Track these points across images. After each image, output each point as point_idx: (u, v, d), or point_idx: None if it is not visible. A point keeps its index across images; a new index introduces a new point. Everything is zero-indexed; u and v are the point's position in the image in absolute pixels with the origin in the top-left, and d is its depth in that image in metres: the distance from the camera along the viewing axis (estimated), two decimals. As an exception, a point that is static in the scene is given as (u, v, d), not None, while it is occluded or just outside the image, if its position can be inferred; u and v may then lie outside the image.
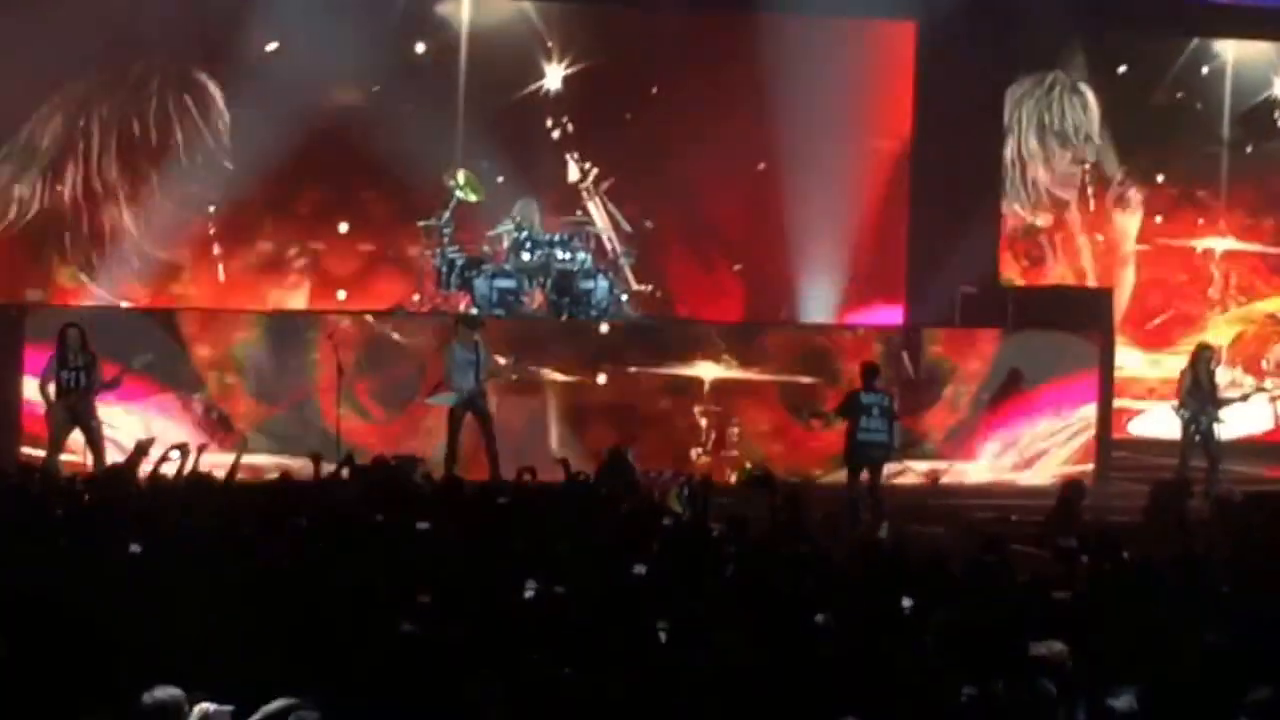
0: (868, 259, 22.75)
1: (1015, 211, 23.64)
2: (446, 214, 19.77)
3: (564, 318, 19.41)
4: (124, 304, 20.39)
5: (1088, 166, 23.89)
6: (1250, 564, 11.27)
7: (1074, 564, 10.84)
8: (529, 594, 9.51)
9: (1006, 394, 19.75)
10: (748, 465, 18.33)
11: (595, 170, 21.84)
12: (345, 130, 20.82)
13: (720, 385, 19.13)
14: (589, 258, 19.80)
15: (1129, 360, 23.19)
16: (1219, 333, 23.72)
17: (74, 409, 16.53)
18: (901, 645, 8.64)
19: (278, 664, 8.36)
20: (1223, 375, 20.71)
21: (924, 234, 22.32)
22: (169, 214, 21.19)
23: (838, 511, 15.39)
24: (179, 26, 20.57)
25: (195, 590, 9.52)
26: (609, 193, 21.53)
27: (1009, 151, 23.53)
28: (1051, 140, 23.75)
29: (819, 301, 22.42)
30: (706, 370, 19.16)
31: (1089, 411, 19.89)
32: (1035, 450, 19.83)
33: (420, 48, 21.70)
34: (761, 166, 22.17)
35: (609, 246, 20.75)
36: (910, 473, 18.70)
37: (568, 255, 19.62)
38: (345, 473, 14.30)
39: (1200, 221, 24.08)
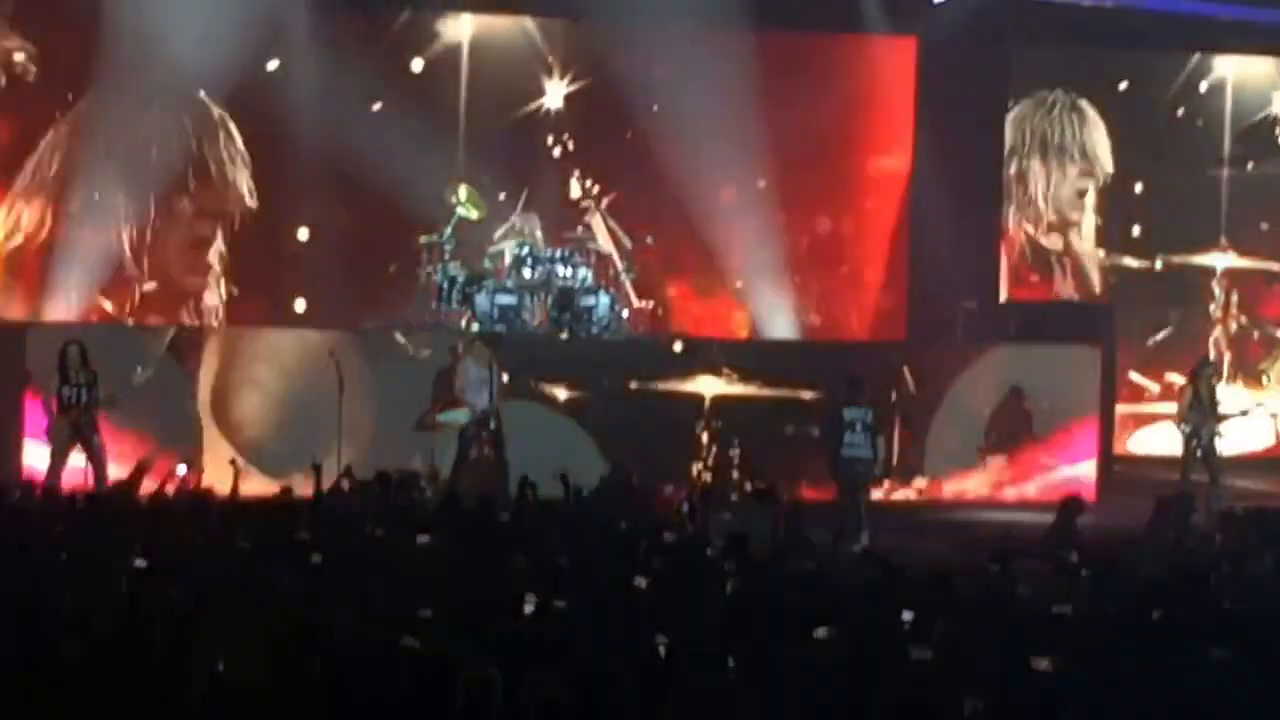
0: (869, 275, 22.75)
1: (1024, 230, 23.64)
2: (448, 230, 19.78)
3: (565, 334, 19.40)
4: (128, 322, 20.41)
5: (1094, 183, 23.89)
6: (1251, 578, 11.26)
7: (1075, 578, 10.83)
8: (528, 609, 9.51)
9: (1008, 410, 19.74)
10: (749, 481, 18.33)
11: (596, 187, 21.84)
12: (346, 147, 20.82)
13: (721, 401, 19.13)
14: (590, 274, 19.81)
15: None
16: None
17: (75, 425, 16.53)
18: (902, 658, 8.64)
19: (279, 676, 8.37)
20: (1223, 390, 20.71)
21: (925, 249, 22.33)
22: (173, 233, 21.19)
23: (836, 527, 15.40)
24: (181, 48, 20.60)
25: (197, 605, 9.53)
26: (610, 209, 21.54)
27: (1013, 169, 23.54)
28: (1054, 157, 23.75)
29: (819, 317, 22.42)
30: (708, 386, 19.15)
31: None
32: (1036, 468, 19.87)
33: (421, 64, 21.71)
34: (762, 183, 22.18)
35: (610, 263, 20.74)
36: None
37: (569, 271, 19.63)
38: (345, 484, 14.29)
39: (1202, 237, 24.07)
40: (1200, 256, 24.12)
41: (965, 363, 19.94)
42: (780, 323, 22.26)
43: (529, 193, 21.34)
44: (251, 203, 21.18)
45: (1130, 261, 24.00)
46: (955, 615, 9.77)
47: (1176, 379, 22.86)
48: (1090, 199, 23.92)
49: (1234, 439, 19.81)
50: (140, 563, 10.26)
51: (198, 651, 8.58)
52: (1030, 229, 23.74)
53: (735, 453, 18.99)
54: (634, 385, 18.91)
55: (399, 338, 18.98)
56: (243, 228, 21.39)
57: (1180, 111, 23.95)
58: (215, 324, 20.62)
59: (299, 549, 11.23)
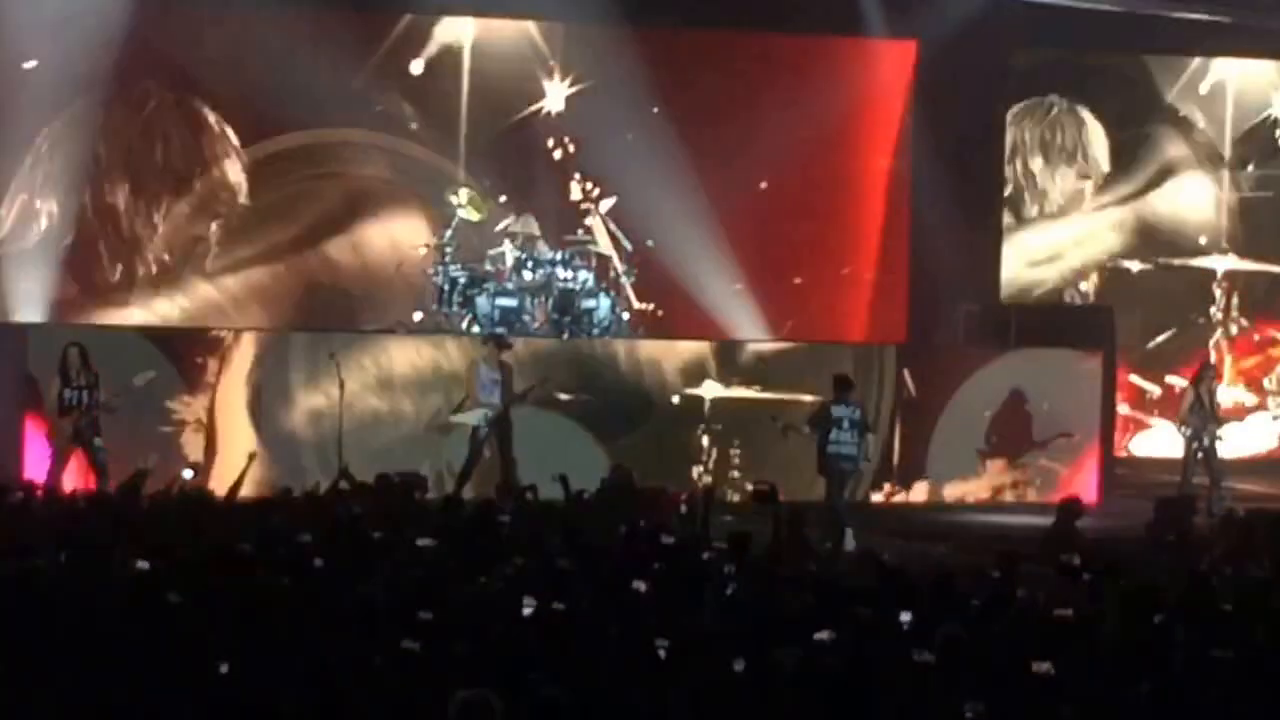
0: (869, 277, 22.74)
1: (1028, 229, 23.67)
2: (449, 232, 19.79)
3: (565, 336, 19.41)
4: (127, 323, 20.39)
5: (1091, 186, 23.89)
6: (1252, 581, 11.25)
7: (1076, 581, 10.81)
8: (527, 611, 9.50)
9: (1008, 413, 19.74)
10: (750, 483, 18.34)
11: (596, 189, 21.83)
12: (348, 149, 20.83)
13: (722, 403, 19.12)
14: (590, 276, 19.82)
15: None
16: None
17: (76, 427, 16.54)
18: (902, 660, 8.63)
19: (278, 681, 8.36)
20: (1224, 394, 20.72)
21: (925, 252, 22.32)
22: (174, 234, 21.18)
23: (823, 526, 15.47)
24: (177, 48, 20.59)
25: (195, 606, 9.53)
26: (610, 212, 21.53)
27: (1014, 170, 23.54)
28: (1055, 158, 23.76)
29: (821, 319, 22.41)
30: (708, 389, 19.15)
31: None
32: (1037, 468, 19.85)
33: (422, 67, 21.70)
34: (763, 185, 22.17)
35: (611, 265, 20.73)
36: None
37: (569, 274, 19.64)
38: (343, 484, 14.28)
39: (1202, 240, 24.07)
40: (1200, 259, 24.11)
41: (969, 366, 19.93)
42: (780, 324, 22.25)
43: (529, 195, 21.33)
44: (251, 202, 21.15)
45: (1130, 264, 24.00)
46: (956, 618, 9.77)
47: (1177, 381, 22.91)
48: (1089, 200, 23.92)
49: (1235, 441, 19.82)
50: (142, 564, 10.26)
51: (200, 652, 8.59)
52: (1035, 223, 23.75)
53: (736, 455, 18.99)
54: (634, 387, 18.89)
55: (400, 339, 18.99)
56: (240, 228, 21.35)
57: (1181, 114, 23.95)
58: (216, 326, 20.57)
59: (299, 551, 11.23)
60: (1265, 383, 24.08)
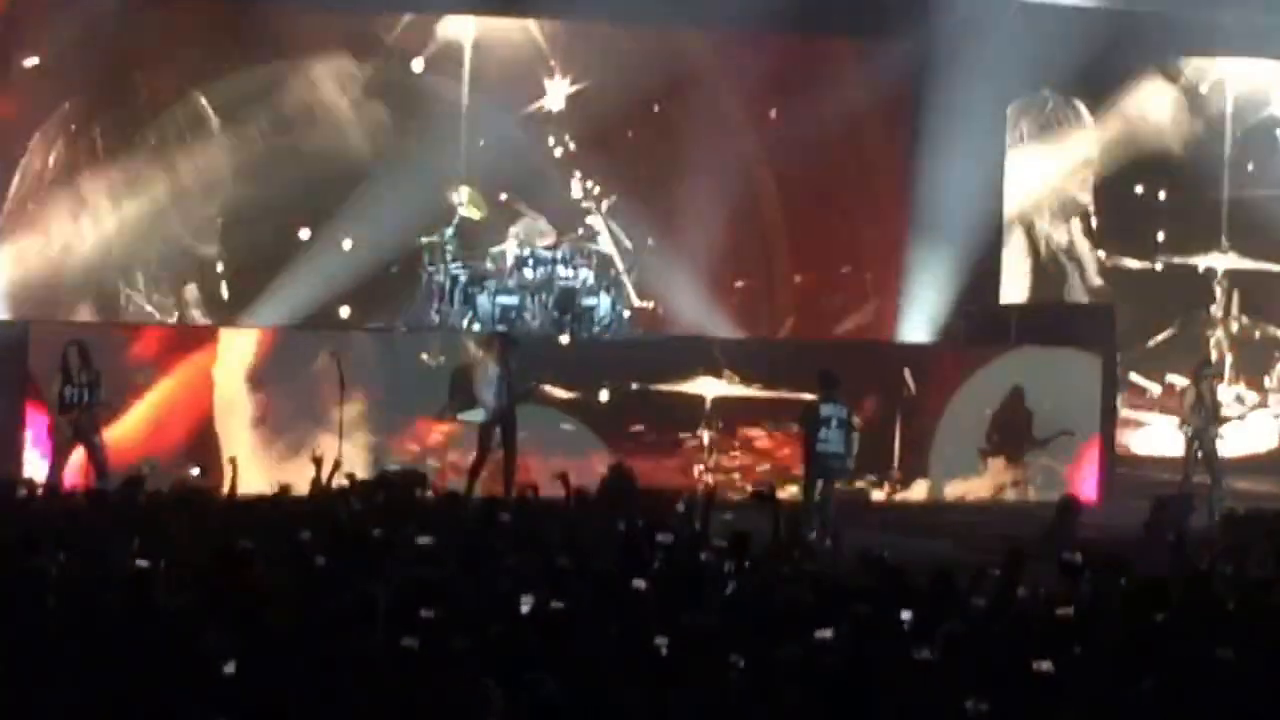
0: (870, 276, 22.75)
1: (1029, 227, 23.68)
2: (450, 231, 19.80)
3: (566, 334, 19.42)
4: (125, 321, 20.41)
5: (1088, 183, 23.91)
6: (1253, 579, 11.25)
7: (1078, 579, 10.81)
8: (525, 608, 9.50)
9: (1008, 411, 19.74)
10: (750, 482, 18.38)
11: (598, 187, 21.84)
12: (348, 147, 20.84)
13: (722, 402, 19.12)
14: (591, 275, 19.84)
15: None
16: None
17: (77, 425, 16.55)
18: (903, 659, 8.63)
19: (280, 679, 8.36)
20: (1225, 392, 20.72)
21: (926, 251, 22.33)
22: (174, 233, 21.19)
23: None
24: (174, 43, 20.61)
25: (195, 605, 9.53)
26: (611, 210, 21.53)
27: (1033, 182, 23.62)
28: (1054, 154, 23.78)
29: (822, 318, 22.43)
30: (709, 387, 19.15)
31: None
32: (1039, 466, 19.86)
33: (423, 65, 21.70)
34: (763, 184, 22.18)
35: (611, 264, 20.75)
36: None
37: (570, 272, 19.67)
38: (344, 481, 14.25)
39: (1202, 238, 24.09)
40: (1201, 258, 24.12)
41: (969, 365, 19.94)
42: (781, 322, 22.26)
43: (530, 194, 21.33)
44: (248, 202, 21.15)
45: (1130, 262, 24.01)
46: (957, 616, 9.77)
47: (1177, 380, 22.93)
48: (1089, 199, 23.92)
49: (1236, 440, 19.82)
50: (142, 563, 10.26)
51: (200, 651, 8.59)
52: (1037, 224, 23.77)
53: (736, 453, 19.01)
54: (635, 386, 18.90)
55: (400, 338, 19.00)
56: (239, 226, 21.36)
57: (1179, 113, 23.95)
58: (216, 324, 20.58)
59: (299, 549, 11.23)
60: (1265, 381, 24.09)
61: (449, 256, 19.65)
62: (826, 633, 9.05)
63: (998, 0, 21.78)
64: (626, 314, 20.19)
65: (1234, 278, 24.19)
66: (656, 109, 21.95)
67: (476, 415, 17.53)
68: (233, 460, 15.07)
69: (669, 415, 18.93)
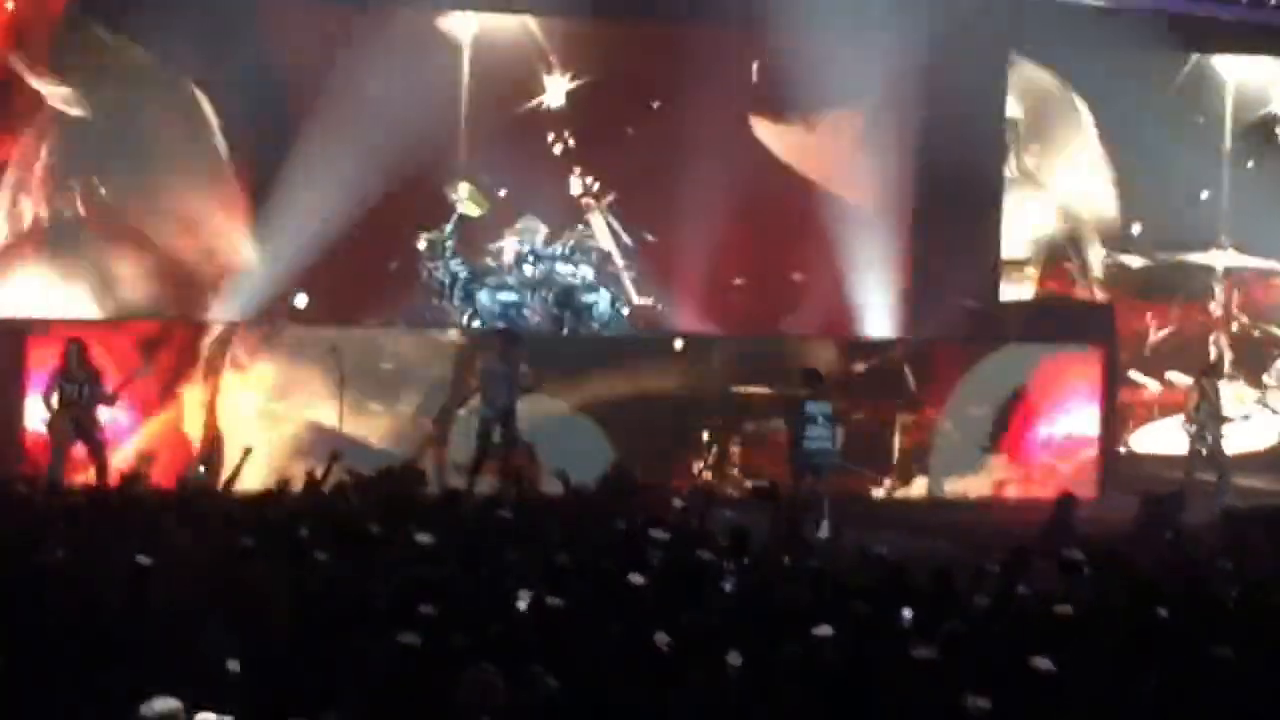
0: (869, 273, 22.72)
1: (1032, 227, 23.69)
2: (449, 227, 19.80)
3: (565, 331, 19.42)
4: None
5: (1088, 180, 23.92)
6: (1253, 575, 11.26)
7: (1077, 576, 10.82)
8: (522, 605, 9.51)
9: (1012, 409, 19.73)
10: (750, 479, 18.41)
11: (597, 184, 21.83)
12: (348, 143, 20.82)
13: (722, 398, 19.11)
14: (591, 271, 19.84)
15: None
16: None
17: (77, 421, 16.56)
18: (902, 656, 8.64)
19: (279, 675, 8.37)
20: (1224, 389, 20.71)
21: (925, 248, 22.34)
22: (171, 229, 21.18)
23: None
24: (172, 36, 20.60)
25: (196, 601, 9.54)
26: (611, 207, 21.53)
27: (1018, 165, 23.58)
28: (1054, 153, 23.78)
29: (822, 315, 22.41)
30: (708, 383, 19.13)
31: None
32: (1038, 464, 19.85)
33: (422, 62, 21.66)
34: (764, 181, 22.18)
35: (611, 260, 20.75)
36: None
37: (570, 269, 19.67)
38: (336, 471, 14.24)
39: (1202, 235, 24.09)
40: (1201, 255, 24.13)
41: (969, 361, 19.94)
42: (780, 319, 22.26)
43: (529, 190, 21.33)
44: (246, 199, 21.14)
45: (1130, 260, 24.01)
46: (957, 614, 9.78)
47: (1176, 378, 22.94)
48: (1089, 198, 23.93)
49: (1238, 437, 19.83)
50: (143, 559, 10.26)
51: (201, 647, 8.60)
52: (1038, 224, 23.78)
53: (736, 450, 19.00)
54: (635, 383, 18.90)
55: (400, 334, 19.00)
56: (238, 223, 21.34)
57: (1181, 109, 23.94)
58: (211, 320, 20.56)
59: (299, 545, 11.23)
60: (1264, 378, 24.09)
61: (448, 252, 19.65)
62: (826, 630, 9.06)
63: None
64: (626, 311, 20.18)
65: (1233, 275, 24.18)
66: (656, 105, 21.94)
67: (479, 412, 17.52)
68: (247, 450, 15.08)
69: (669, 412, 18.91)
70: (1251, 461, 21.51)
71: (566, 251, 19.81)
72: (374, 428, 17.92)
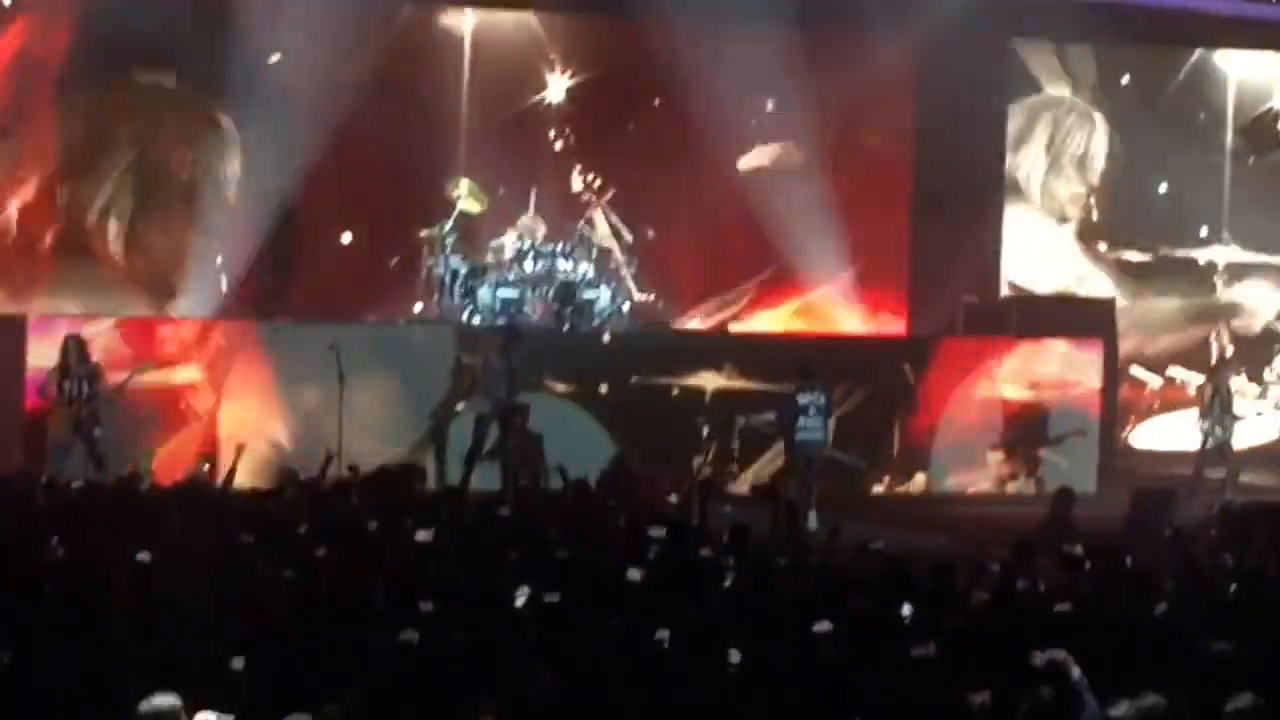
0: (870, 269, 22.72)
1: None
2: (449, 224, 19.80)
3: (566, 327, 19.42)
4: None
5: (1092, 188, 23.91)
6: (1252, 570, 11.26)
7: (1077, 571, 10.83)
8: (520, 601, 9.52)
9: (1025, 407, 19.69)
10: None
11: (598, 180, 21.81)
12: (348, 140, 20.82)
13: (722, 395, 19.11)
14: (591, 268, 19.85)
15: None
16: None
17: (77, 418, 16.55)
18: (902, 652, 8.65)
19: (279, 672, 8.38)
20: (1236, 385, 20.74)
21: (926, 244, 22.34)
22: (175, 228, 21.18)
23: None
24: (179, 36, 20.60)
25: (197, 598, 9.54)
26: (611, 203, 21.50)
27: (1025, 163, 23.58)
28: (1061, 160, 23.76)
29: (820, 311, 22.41)
30: (709, 380, 19.14)
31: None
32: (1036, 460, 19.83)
33: (423, 58, 21.66)
34: (764, 177, 22.17)
35: (612, 256, 20.74)
36: None
37: (570, 265, 19.68)
38: (341, 473, 14.26)
39: (1203, 231, 24.09)
40: (1202, 250, 24.12)
41: (966, 356, 19.93)
42: (781, 315, 22.26)
43: (530, 187, 21.31)
44: (251, 196, 21.13)
45: (1132, 255, 24.00)
46: (956, 610, 9.79)
47: (1177, 374, 22.95)
48: (1091, 198, 23.92)
49: (1242, 433, 19.80)
50: (143, 556, 10.28)
51: (201, 643, 8.61)
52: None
53: (735, 446, 19.00)
54: (635, 379, 18.90)
55: (399, 330, 19.00)
56: (243, 220, 21.34)
57: (1182, 106, 23.93)
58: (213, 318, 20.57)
59: (299, 542, 11.25)
60: (1265, 374, 24.09)
61: (448, 249, 19.65)
62: (825, 626, 9.07)
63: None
64: (626, 307, 20.18)
65: (1234, 270, 24.17)
66: (657, 102, 21.93)
67: (479, 409, 17.54)
68: (240, 447, 15.08)
69: (669, 408, 18.90)
70: (1253, 457, 21.50)
71: (567, 248, 19.80)
72: (373, 424, 17.89)
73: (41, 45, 20.41)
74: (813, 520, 16.10)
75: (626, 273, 20.75)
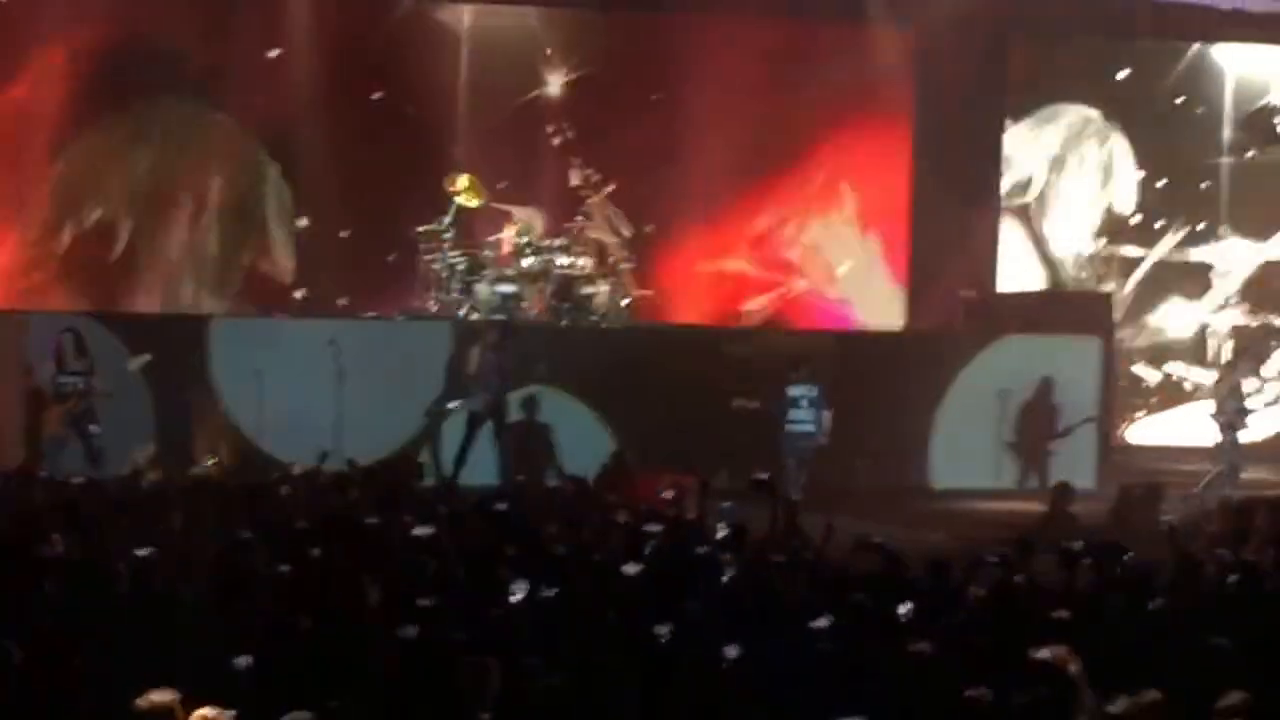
0: (868, 264, 22.73)
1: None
2: (447, 219, 19.78)
3: (564, 323, 19.42)
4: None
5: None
6: (1249, 567, 11.26)
7: (1076, 567, 10.82)
8: (516, 597, 9.52)
9: (1038, 402, 19.68)
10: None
11: (596, 175, 21.80)
12: (347, 135, 20.83)
13: (722, 389, 19.08)
14: (589, 263, 19.84)
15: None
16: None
17: (73, 414, 16.54)
18: (900, 648, 8.65)
19: (277, 668, 8.38)
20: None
21: (924, 239, 22.34)
22: (171, 223, 21.18)
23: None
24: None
25: (195, 594, 9.55)
26: (610, 198, 21.50)
27: (1033, 169, 23.62)
28: (1071, 174, 23.80)
29: (821, 306, 22.42)
30: (708, 374, 19.11)
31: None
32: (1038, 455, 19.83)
33: (421, 53, 21.65)
34: (762, 172, 22.18)
35: (610, 251, 20.73)
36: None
37: (568, 261, 19.67)
38: (328, 467, 14.25)
39: (1202, 225, 24.10)
40: (1201, 245, 24.12)
41: (968, 352, 19.93)
42: (780, 310, 22.26)
43: (528, 182, 21.32)
44: (250, 188, 21.15)
45: (1130, 250, 24.01)
46: (954, 605, 9.79)
47: (1175, 368, 22.96)
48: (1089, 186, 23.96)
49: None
50: (143, 551, 10.29)
51: (199, 642, 8.61)
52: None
53: (734, 441, 18.97)
54: (634, 374, 18.88)
55: (398, 326, 19.00)
56: (242, 215, 21.35)
57: (1180, 100, 23.94)
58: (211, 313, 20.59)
59: (297, 537, 11.25)
60: (1261, 370, 24.09)
61: (447, 244, 19.64)
62: (823, 622, 9.08)
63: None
64: (625, 302, 20.17)
65: (1233, 265, 24.17)
66: (654, 97, 21.92)
67: (470, 405, 17.53)
68: (236, 442, 15.07)
69: (669, 402, 18.88)
70: (1252, 453, 21.51)
71: (565, 243, 19.80)
72: (370, 419, 17.88)
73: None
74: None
75: (624, 268, 20.74)
